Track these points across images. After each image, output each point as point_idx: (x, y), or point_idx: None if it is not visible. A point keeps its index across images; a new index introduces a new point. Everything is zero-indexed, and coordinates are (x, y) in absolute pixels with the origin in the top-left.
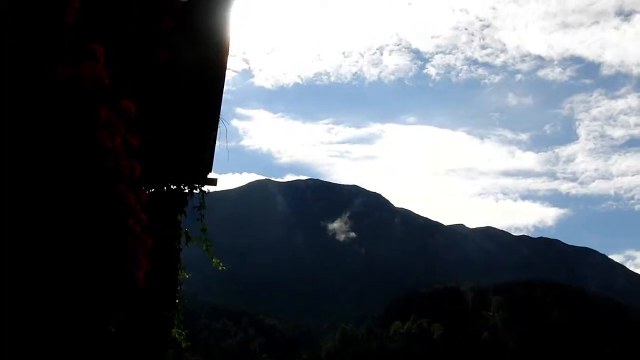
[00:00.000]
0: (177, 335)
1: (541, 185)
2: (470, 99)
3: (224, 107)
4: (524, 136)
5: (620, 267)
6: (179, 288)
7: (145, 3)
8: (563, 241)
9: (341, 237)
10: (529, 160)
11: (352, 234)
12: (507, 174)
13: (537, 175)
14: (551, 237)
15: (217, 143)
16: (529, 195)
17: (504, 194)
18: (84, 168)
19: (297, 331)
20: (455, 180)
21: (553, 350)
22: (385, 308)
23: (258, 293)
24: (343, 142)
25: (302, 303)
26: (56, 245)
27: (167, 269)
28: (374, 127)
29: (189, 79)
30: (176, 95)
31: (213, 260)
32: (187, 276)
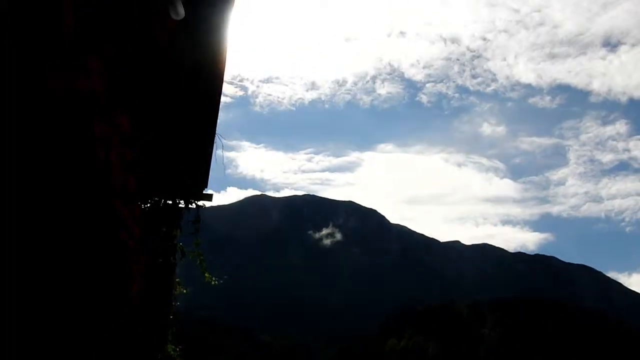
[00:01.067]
0: (172, 352)
1: (532, 210)
2: (460, 126)
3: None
4: (510, 162)
5: (617, 284)
6: (174, 303)
7: (145, 5)
8: (559, 258)
9: (337, 252)
10: (514, 186)
11: (348, 250)
12: (490, 200)
13: (525, 200)
14: (548, 254)
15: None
16: (519, 221)
17: (485, 218)
18: (78, 182)
19: (293, 347)
20: (432, 207)
21: None
22: (380, 324)
23: (253, 309)
24: (323, 171)
25: (298, 319)
26: (47, 259)
27: (162, 283)
28: (353, 156)
29: (186, 89)
30: (172, 108)
31: (206, 275)
32: (185, 291)
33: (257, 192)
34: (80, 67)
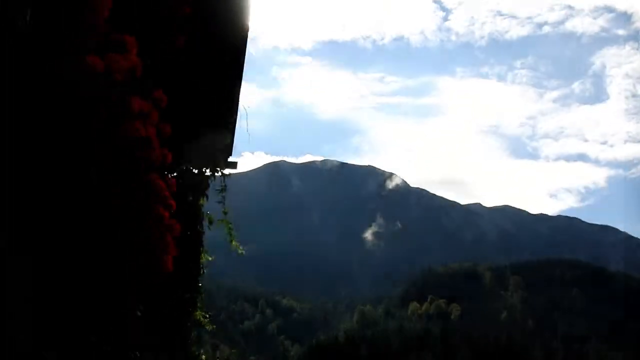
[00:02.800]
0: (201, 318)
1: (571, 147)
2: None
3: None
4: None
5: None
6: (202, 271)
7: None
8: (583, 219)
9: (357, 218)
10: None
11: (369, 215)
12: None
13: (567, 136)
14: (571, 216)
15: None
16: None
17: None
18: (116, 158)
19: (315, 313)
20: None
21: (572, 329)
22: (402, 289)
23: (274, 275)
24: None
25: (319, 285)
26: (87, 233)
27: (191, 252)
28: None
29: (208, 63)
30: (196, 79)
31: (232, 243)
32: (211, 259)
33: (277, 158)
34: (118, 44)
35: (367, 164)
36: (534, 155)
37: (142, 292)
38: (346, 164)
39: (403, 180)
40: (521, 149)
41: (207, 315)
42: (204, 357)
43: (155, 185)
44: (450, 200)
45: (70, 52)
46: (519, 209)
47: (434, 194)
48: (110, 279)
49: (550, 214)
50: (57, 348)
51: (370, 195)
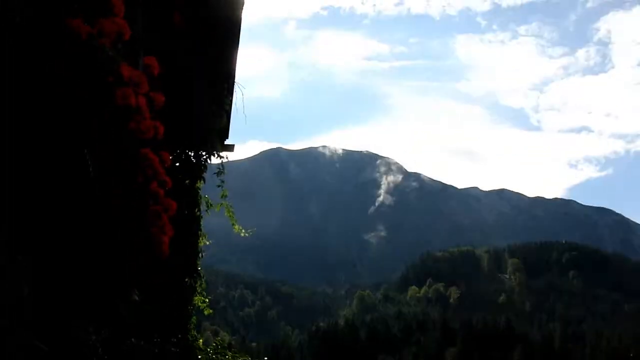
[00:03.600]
0: (200, 303)
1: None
2: None
3: None
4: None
5: (638, 227)
6: (200, 255)
7: None
8: (579, 202)
9: (354, 204)
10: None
11: (366, 201)
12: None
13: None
14: (567, 198)
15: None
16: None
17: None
18: (105, 129)
19: (314, 299)
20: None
21: (570, 311)
22: (401, 274)
23: (273, 262)
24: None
25: (318, 271)
26: (77, 211)
27: (189, 235)
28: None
29: (203, 40)
30: (191, 57)
31: (235, 227)
32: (208, 243)
33: (274, 145)
34: (105, 8)
35: (365, 150)
36: (537, 128)
37: (139, 276)
38: (345, 150)
39: (401, 165)
40: (524, 120)
41: (206, 300)
42: (201, 341)
43: (148, 160)
44: (447, 184)
45: (52, 15)
46: (516, 192)
47: (432, 178)
48: (105, 261)
49: (547, 197)
50: (52, 337)
51: (369, 181)
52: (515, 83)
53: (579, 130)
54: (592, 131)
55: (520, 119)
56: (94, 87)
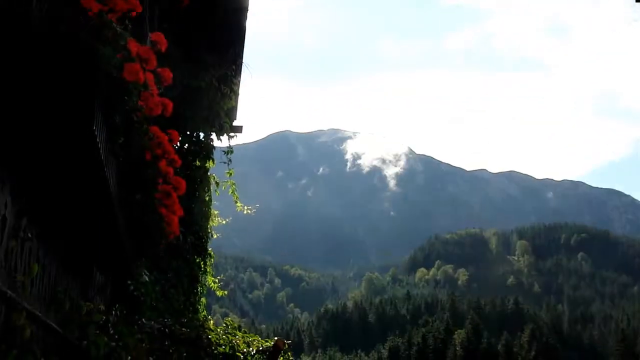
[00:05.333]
0: (212, 283)
1: None
2: None
3: None
4: None
5: None
6: (211, 235)
7: None
8: (587, 183)
9: (364, 187)
10: None
11: (374, 183)
12: None
13: None
14: (576, 180)
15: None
16: None
17: None
18: (112, 106)
19: (323, 281)
20: None
21: (578, 293)
22: (409, 256)
23: (282, 246)
24: None
25: (327, 254)
26: (86, 191)
27: (199, 216)
28: None
29: (211, 19)
30: (200, 39)
31: (237, 204)
32: (224, 222)
33: (282, 129)
34: None
35: (372, 133)
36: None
37: (148, 256)
38: (353, 132)
39: (409, 147)
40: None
41: (217, 280)
42: (211, 322)
43: (156, 138)
44: (456, 167)
45: None
46: (525, 174)
47: (440, 161)
48: (115, 241)
49: (556, 178)
50: (63, 317)
51: (377, 164)
52: None
53: None
54: None
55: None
56: (103, 63)
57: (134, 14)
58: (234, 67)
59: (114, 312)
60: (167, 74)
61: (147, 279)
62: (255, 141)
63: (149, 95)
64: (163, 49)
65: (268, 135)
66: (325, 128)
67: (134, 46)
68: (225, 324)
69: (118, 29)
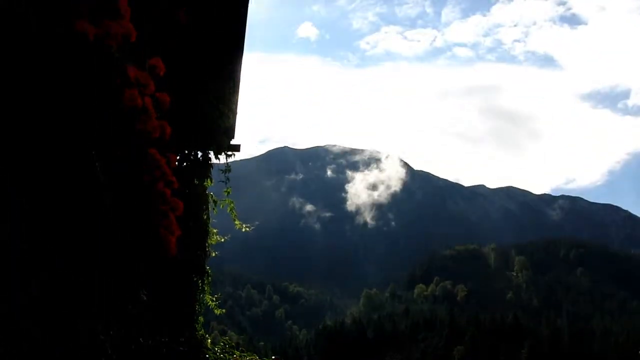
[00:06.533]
0: (210, 302)
1: None
2: None
3: None
4: None
5: None
6: (209, 254)
7: None
8: (585, 198)
9: (360, 202)
10: None
11: (372, 199)
12: None
13: None
14: (573, 195)
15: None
16: None
17: None
18: (112, 130)
19: (321, 298)
20: None
21: (577, 308)
22: (408, 272)
23: (280, 262)
24: None
25: (325, 271)
26: (85, 211)
27: (197, 235)
28: None
29: (209, 39)
30: (197, 58)
31: (236, 222)
32: (223, 240)
33: (280, 145)
34: (111, 10)
35: (370, 148)
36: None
37: (147, 275)
38: (352, 148)
39: (406, 163)
40: None
41: (215, 298)
42: (209, 340)
43: (155, 161)
44: (454, 183)
45: (60, 17)
46: (523, 190)
47: (438, 176)
48: (113, 261)
49: (553, 194)
50: (61, 336)
51: (375, 181)
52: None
53: None
54: None
55: None
56: (102, 89)
57: (133, 38)
58: (232, 84)
59: (111, 333)
60: (165, 98)
61: (145, 298)
62: (254, 157)
63: (148, 119)
64: (161, 74)
65: (267, 152)
66: (323, 144)
67: (132, 72)
68: (223, 342)
69: (117, 54)
